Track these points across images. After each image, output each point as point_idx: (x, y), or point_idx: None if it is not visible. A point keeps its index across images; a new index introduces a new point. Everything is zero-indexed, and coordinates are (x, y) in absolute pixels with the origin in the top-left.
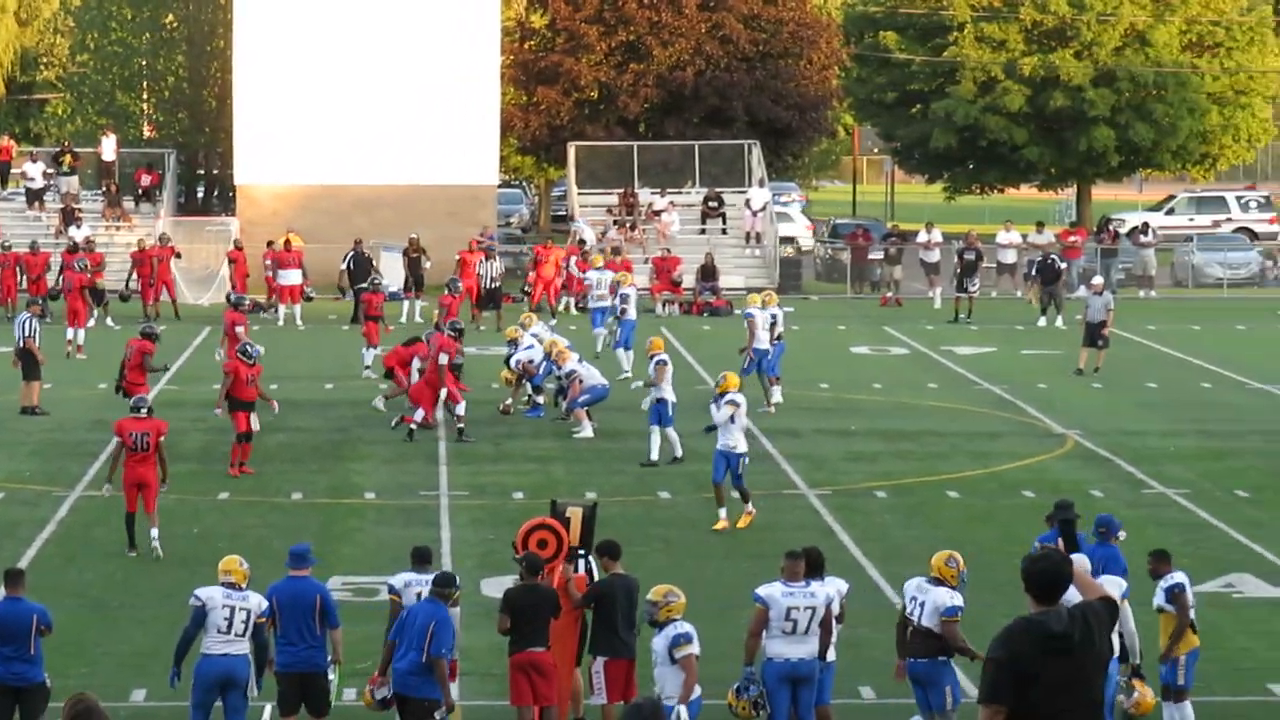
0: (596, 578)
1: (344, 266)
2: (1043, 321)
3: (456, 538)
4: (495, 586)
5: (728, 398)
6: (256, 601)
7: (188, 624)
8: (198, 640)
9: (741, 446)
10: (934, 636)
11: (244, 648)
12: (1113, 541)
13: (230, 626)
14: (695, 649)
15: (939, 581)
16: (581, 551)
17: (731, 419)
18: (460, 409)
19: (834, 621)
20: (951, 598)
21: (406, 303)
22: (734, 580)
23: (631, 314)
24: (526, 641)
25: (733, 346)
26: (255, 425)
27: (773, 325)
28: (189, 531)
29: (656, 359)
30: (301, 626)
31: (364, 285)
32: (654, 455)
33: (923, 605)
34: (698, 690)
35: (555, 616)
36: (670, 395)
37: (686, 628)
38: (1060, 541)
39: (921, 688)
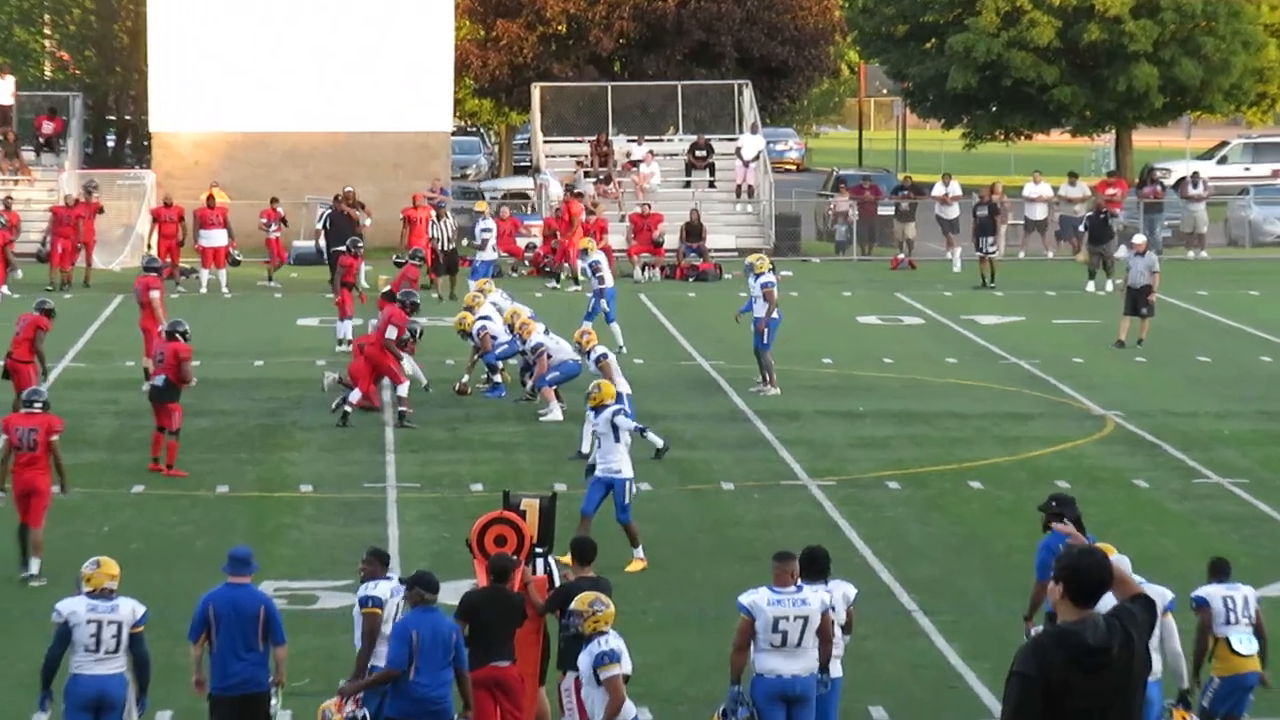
0: (557, 579)
1: (319, 226)
2: (1091, 286)
3: (406, 536)
4: (451, 592)
5: (611, 408)
6: (129, 610)
7: (51, 644)
8: (67, 657)
9: (626, 470)
10: None
11: (118, 665)
12: None
13: (99, 643)
14: (622, 669)
15: None
16: (540, 549)
17: (616, 436)
18: (402, 390)
19: (839, 631)
20: None
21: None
22: (724, 584)
23: (609, 281)
24: (490, 654)
25: (720, 315)
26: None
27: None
28: (98, 530)
29: (597, 354)
30: (242, 641)
31: (341, 248)
32: (659, 441)
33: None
34: (631, 711)
35: (520, 625)
36: (623, 387)
37: (614, 644)
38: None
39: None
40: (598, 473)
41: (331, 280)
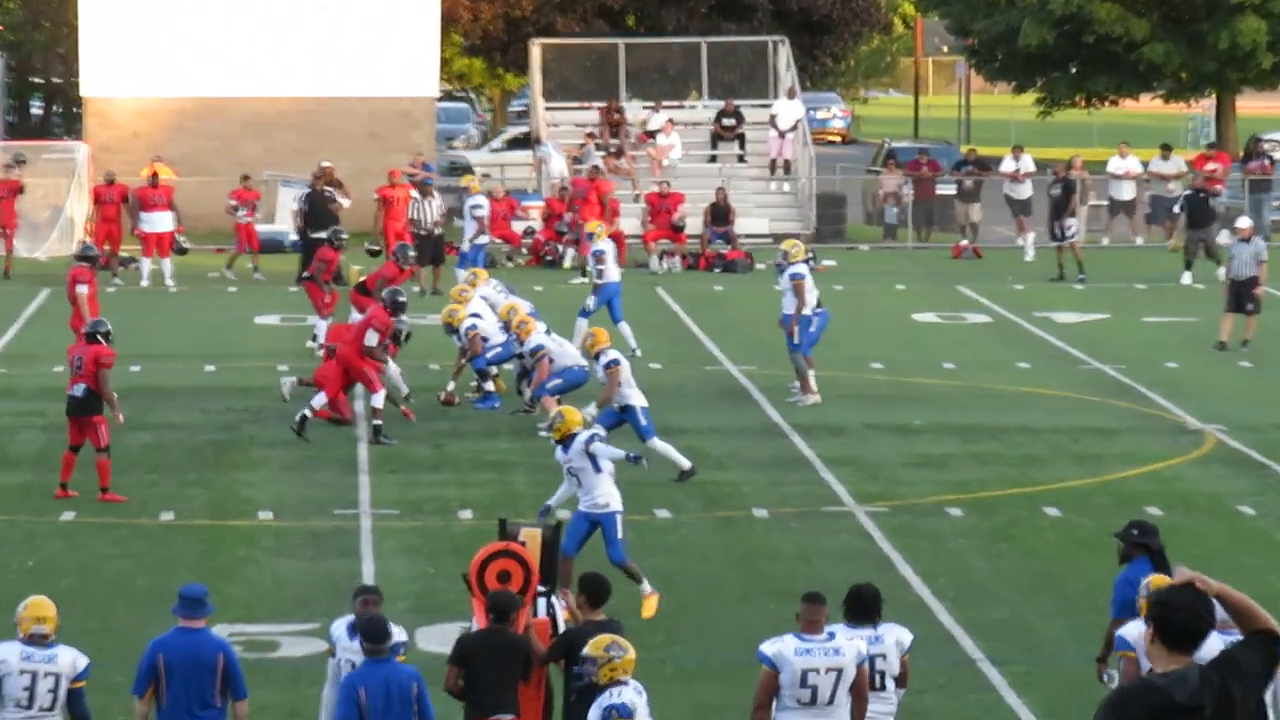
0: (561, 623)
1: (296, 207)
2: (1187, 278)
3: (383, 571)
4: (437, 638)
5: (582, 437)
6: (70, 661)
7: None
8: None
9: (614, 503)
10: None
11: None
12: None
13: (33, 698)
14: None
15: None
16: (542, 589)
17: (595, 466)
18: (377, 399)
19: (892, 684)
20: None
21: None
22: (756, 628)
23: (612, 274)
24: (489, 705)
25: (752, 312)
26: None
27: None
28: (22, 564)
29: (606, 359)
30: (196, 696)
31: (322, 237)
32: (684, 462)
33: None
34: None
35: (526, 677)
36: (637, 399)
37: (627, 697)
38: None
39: None
40: (581, 507)
41: (301, 271)
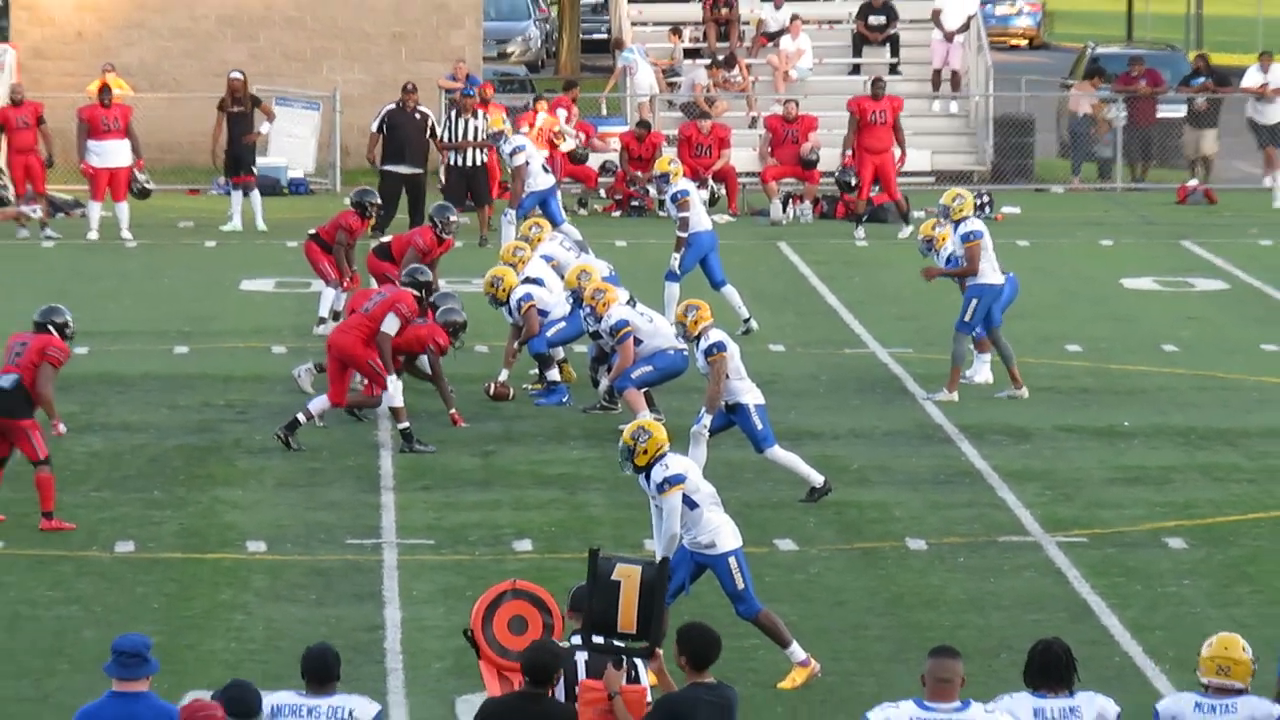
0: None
1: (375, 128)
2: None
3: (411, 621)
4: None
5: (665, 470)
6: None
7: None
8: None
9: (724, 540)
10: None
11: None
12: None
13: None
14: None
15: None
16: (636, 643)
17: (689, 501)
18: (394, 395)
19: None
20: None
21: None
22: (909, 694)
23: (700, 222)
24: None
25: (907, 274)
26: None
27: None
28: None
29: (708, 342)
30: None
31: (401, 173)
32: (815, 477)
33: None
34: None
35: None
36: (751, 396)
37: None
38: None
39: None
40: (684, 541)
41: (413, 212)
